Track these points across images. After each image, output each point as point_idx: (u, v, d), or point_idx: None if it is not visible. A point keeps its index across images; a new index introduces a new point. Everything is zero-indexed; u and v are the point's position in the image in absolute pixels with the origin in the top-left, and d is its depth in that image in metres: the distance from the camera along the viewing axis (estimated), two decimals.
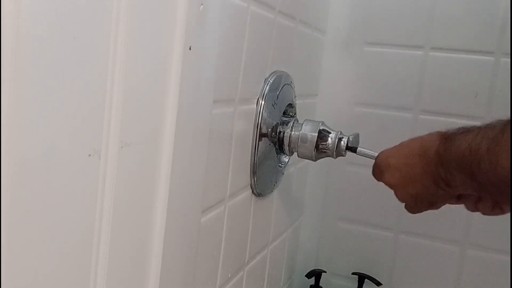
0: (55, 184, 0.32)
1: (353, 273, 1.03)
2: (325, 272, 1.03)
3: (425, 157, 0.58)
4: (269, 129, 0.73)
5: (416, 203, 0.62)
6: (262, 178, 0.74)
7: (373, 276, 1.01)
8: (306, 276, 1.01)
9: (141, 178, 0.41)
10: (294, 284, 1.08)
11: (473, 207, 0.61)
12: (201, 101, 0.49)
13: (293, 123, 0.76)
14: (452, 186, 0.56)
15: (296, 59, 0.86)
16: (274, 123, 0.74)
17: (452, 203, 0.63)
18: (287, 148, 0.76)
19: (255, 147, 0.70)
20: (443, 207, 0.98)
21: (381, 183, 0.67)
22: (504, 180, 0.47)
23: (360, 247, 1.07)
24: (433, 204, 0.62)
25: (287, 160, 0.82)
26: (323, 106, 1.05)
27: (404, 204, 0.64)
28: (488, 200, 0.59)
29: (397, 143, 0.66)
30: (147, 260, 0.43)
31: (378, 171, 0.67)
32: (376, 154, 0.68)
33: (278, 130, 0.75)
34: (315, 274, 1.01)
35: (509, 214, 0.63)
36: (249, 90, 0.68)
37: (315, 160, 0.77)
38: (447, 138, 0.56)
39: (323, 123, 0.75)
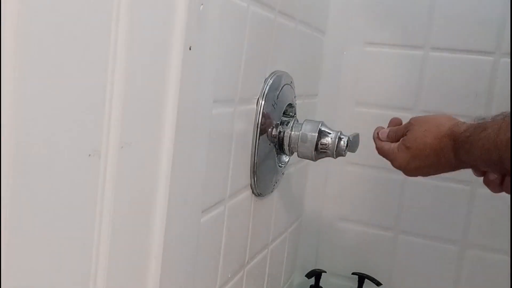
0: (55, 184, 0.32)
1: (353, 273, 1.03)
2: (325, 272, 1.03)
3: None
4: (269, 129, 0.73)
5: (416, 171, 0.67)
6: (262, 178, 0.74)
7: (373, 276, 1.01)
8: (306, 276, 1.01)
9: (141, 178, 0.41)
10: (294, 284, 1.08)
11: (498, 188, 0.64)
12: (201, 101, 0.49)
13: (293, 123, 0.76)
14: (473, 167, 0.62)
15: (296, 59, 0.86)
16: (274, 123, 0.74)
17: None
18: (287, 148, 0.76)
19: (255, 147, 0.70)
20: (442, 207, 0.98)
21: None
22: None
23: (360, 247, 1.07)
24: (426, 174, 0.67)
25: (287, 160, 0.82)
26: (323, 106, 1.06)
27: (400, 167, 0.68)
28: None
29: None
30: (147, 260, 0.43)
31: (404, 131, 0.68)
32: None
33: (278, 130, 0.75)
34: (315, 274, 1.01)
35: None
36: (249, 90, 0.68)
37: (315, 160, 0.77)
38: (461, 141, 0.59)
39: (323, 123, 0.75)
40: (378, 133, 0.74)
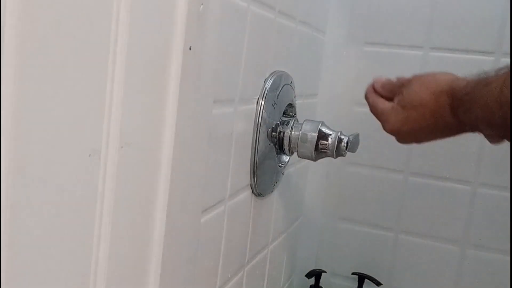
0: (55, 184, 0.32)
1: (353, 273, 1.03)
2: (325, 272, 1.03)
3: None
4: (269, 129, 0.73)
5: (411, 133, 0.59)
6: (262, 178, 0.74)
7: (373, 276, 1.01)
8: (306, 276, 1.01)
9: (141, 178, 0.41)
10: (294, 284, 1.08)
11: (498, 139, 0.56)
12: (201, 101, 0.49)
13: (293, 123, 0.76)
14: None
15: (296, 59, 0.86)
16: (274, 123, 0.74)
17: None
18: (287, 148, 0.76)
19: (255, 147, 0.70)
20: (443, 207, 0.98)
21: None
22: None
23: (360, 247, 1.07)
24: (419, 140, 0.60)
25: (287, 160, 0.82)
26: (323, 106, 1.06)
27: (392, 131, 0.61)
28: None
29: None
30: (147, 260, 0.43)
31: (400, 87, 0.61)
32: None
33: (278, 130, 0.75)
34: (315, 274, 1.01)
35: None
36: (249, 90, 0.68)
37: (315, 160, 0.77)
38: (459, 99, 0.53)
39: (323, 123, 0.75)
40: (373, 85, 0.65)
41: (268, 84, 0.72)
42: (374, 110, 0.65)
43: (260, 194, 0.75)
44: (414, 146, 0.98)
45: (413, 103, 0.57)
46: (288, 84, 0.78)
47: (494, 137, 0.55)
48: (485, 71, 0.51)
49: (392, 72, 1.01)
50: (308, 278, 1.01)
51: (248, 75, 0.65)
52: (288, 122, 0.76)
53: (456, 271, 1.00)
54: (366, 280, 1.01)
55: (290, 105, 0.80)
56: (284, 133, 0.75)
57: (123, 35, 0.35)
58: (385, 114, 0.62)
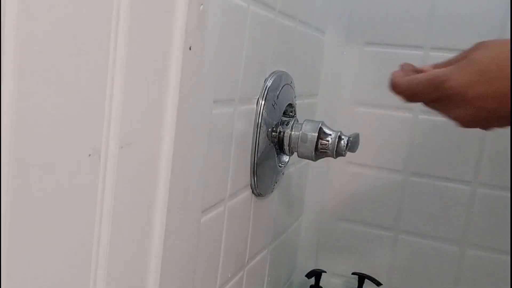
0: (55, 184, 0.32)
1: (353, 273, 1.03)
2: (325, 272, 1.03)
3: None
4: (269, 129, 0.73)
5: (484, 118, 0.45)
6: (262, 178, 0.74)
7: (373, 276, 1.01)
8: (306, 276, 1.01)
9: (141, 178, 0.41)
10: (294, 284, 1.08)
11: None
12: (201, 101, 0.49)
13: (293, 123, 0.76)
14: None
15: (296, 59, 0.86)
16: (274, 123, 0.74)
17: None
18: (287, 148, 0.76)
19: (255, 147, 0.70)
20: (442, 207, 0.98)
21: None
22: None
23: (360, 247, 1.07)
24: (484, 116, 0.45)
25: (287, 160, 0.82)
26: (323, 106, 1.06)
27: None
28: None
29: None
30: (147, 260, 0.43)
31: (462, 56, 0.47)
32: None
33: (278, 130, 0.75)
34: (315, 274, 1.01)
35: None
36: (249, 90, 0.68)
37: (315, 160, 0.77)
38: None
39: (323, 123, 0.75)
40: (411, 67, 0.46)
41: (268, 84, 0.72)
42: (418, 79, 0.49)
43: (260, 194, 0.75)
44: (413, 146, 0.98)
45: (493, 61, 0.43)
46: (288, 84, 0.78)
47: None
48: None
49: (392, 72, 1.01)
50: (308, 278, 1.01)
51: (248, 75, 0.65)
52: (288, 122, 0.76)
53: (456, 271, 1.00)
54: (366, 280, 1.01)
55: (290, 105, 0.80)
56: (284, 133, 0.75)
57: (123, 34, 0.35)
58: (443, 72, 0.47)
